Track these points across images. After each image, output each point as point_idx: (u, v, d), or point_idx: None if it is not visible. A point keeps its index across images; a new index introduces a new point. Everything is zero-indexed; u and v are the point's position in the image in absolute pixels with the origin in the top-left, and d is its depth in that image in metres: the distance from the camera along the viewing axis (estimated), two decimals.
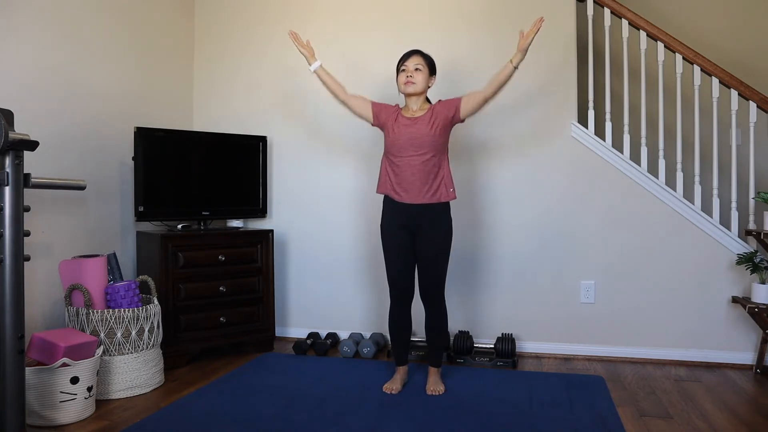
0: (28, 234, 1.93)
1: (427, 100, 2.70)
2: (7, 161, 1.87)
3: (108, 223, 3.13)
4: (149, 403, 2.51)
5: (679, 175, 3.17)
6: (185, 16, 3.77)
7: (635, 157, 3.45)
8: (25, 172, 1.92)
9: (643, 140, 3.23)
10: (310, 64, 2.76)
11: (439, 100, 2.63)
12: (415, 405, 2.46)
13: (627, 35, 3.26)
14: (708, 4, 3.78)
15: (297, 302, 3.69)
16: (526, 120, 3.33)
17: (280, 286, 3.69)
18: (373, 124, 2.71)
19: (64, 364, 2.24)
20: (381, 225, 2.67)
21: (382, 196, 2.70)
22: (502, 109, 3.33)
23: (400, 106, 2.69)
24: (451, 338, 3.20)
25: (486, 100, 2.57)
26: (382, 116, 2.66)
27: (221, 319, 3.17)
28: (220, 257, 3.17)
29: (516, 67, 2.50)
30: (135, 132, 3.08)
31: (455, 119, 2.59)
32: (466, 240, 3.38)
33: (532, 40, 2.48)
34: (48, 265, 2.73)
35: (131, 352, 2.59)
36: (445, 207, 2.59)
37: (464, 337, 3.16)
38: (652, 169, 3.42)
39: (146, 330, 2.63)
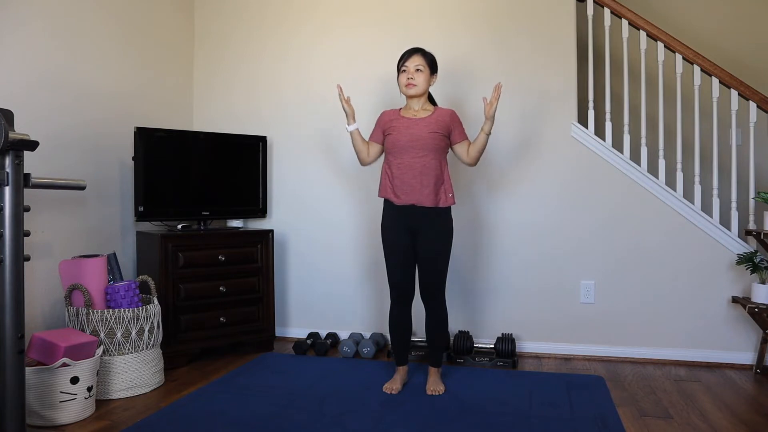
0: (28, 234, 1.93)
1: (430, 99, 2.70)
2: (7, 161, 1.87)
3: (108, 223, 3.13)
4: (149, 403, 2.51)
5: (679, 175, 3.17)
6: (185, 16, 3.77)
7: (635, 157, 3.46)
8: (25, 172, 1.92)
9: (643, 140, 3.23)
10: (348, 124, 2.71)
11: (452, 111, 2.63)
12: (415, 405, 2.46)
13: (627, 35, 3.25)
14: (708, 4, 3.78)
15: (297, 302, 3.69)
16: (526, 120, 3.33)
17: (280, 286, 3.69)
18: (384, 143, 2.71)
19: (64, 364, 2.24)
20: (382, 225, 2.67)
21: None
22: (502, 109, 3.33)
23: (398, 108, 2.69)
24: (451, 338, 3.20)
25: (469, 165, 2.66)
26: (384, 130, 2.67)
27: (221, 319, 3.17)
28: (220, 257, 3.17)
29: (489, 134, 2.57)
30: (135, 132, 3.08)
31: (450, 140, 2.63)
32: (466, 240, 3.38)
33: (496, 106, 2.53)
34: (48, 265, 2.73)
35: (131, 352, 2.59)
36: (445, 208, 2.59)
37: (464, 337, 3.16)
38: (652, 169, 3.42)
39: (146, 330, 2.63)
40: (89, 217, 3.00)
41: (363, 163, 2.76)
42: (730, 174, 3.20)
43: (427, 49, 2.68)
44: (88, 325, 2.53)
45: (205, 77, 3.83)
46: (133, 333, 2.59)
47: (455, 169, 3.31)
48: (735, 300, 3.02)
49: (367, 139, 2.77)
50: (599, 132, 3.37)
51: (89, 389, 2.33)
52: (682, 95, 3.35)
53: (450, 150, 2.67)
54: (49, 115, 2.75)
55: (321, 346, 3.26)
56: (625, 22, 3.24)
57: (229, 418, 2.31)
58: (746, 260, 2.93)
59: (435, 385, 2.63)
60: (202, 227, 3.34)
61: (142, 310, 2.62)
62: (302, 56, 3.64)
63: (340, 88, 2.71)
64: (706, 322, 3.12)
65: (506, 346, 3.08)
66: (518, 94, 3.32)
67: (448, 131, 2.59)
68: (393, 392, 2.61)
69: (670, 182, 3.52)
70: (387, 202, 2.64)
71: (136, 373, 2.59)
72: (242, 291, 3.26)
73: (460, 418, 2.32)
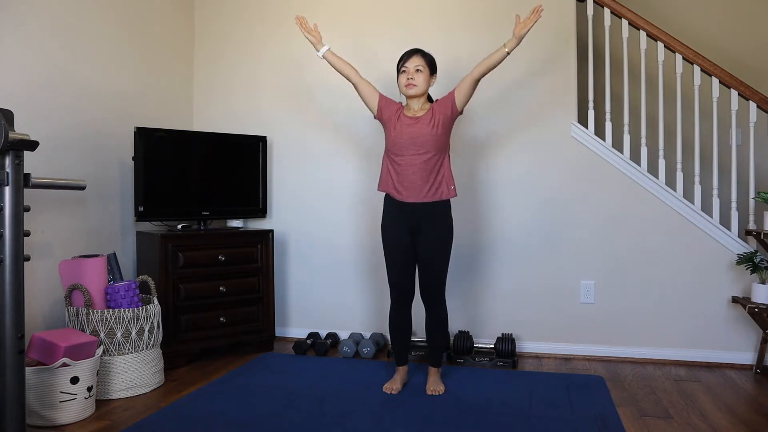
0: (28, 234, 1.93)
1: (429, 98, 2.70)
2: (7, 161, 1.87)
3: (108, 223, 3.13)
4: (149, 403, 2.51)
5: (679, 175, 3.17)
6: (185, 16, 3.77)
7: (635, 157, 3.45)
8: (25, 172, 1.92)
9: (643, 140, 3.23)
10: (317, 50, 2.68)
11: (436, 100, 2.63)
12: (415, 405, 2.46)
13: (627, 35, 3.25)
14: (708, 4, 3.78)
15: (297, 302, 3.69)
16: (527, 120, 3.33)
17: (280, 286, 3.69)
18: (375, 117, 2.71)
19: (64, 364, 2.24)
20: (382, 224, 2.67)
21: (382, 196, 2.70)
22: (502, 109, 3.33)
23: (403, 104, 2.68)
24: (451, 338, 3.20)
25: (475, 82, 2.56)
26: (386, 112, 2.65)
27: (221, 319, 3.17)
28: (220, 257, 3.17)
29: (509, 53, 2.48)
30: (135, 132, 3.08)
31: (455, 114, 2.60)
32: (466, 240, 3.38)
33: (530, 28, 2.45)
34: (48, 265, 2.73)
35: (131, 352, 2.59)
36: (446, 206, 2.59)
37: (464, 337, 3.16)
38: (652, 169, 3.42)
39: (146, 330, 2.63)
40: (89, 217, 3.00)
41: (352, 81, 2.66)
42: (730, 174, 3.20)
43: (427, 49, 2.68)
44: (88, 325, 2.53)
45: (205, 77, 3.83)
46: (133, 333, 2.59)
47: (456, 169, 3.30)
48: (735, 300, 3.02)
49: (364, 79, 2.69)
50: (599, 132, 3.37)
51: (89, 389, 2.33)
52: (682, 95, 3.34)
53: (461, 112, 2.62)
54: (49, 115, 2.75)
55: (321, 346, 3.26)
56: (625, 22, 3.24)
57: (229, 418, 2.31)
58: (746, 260, 2.93)
59: (435, 385, 2.63)
60: (202, 227, 3.34)
61: (142, 310, 2.62)
62: (302, 56, 3.64)
63: (301, 19, 2.66)
64: (706, 322, 3.12)
65: (506, 346, 3.08)
66: (518, 94, 3.32)
67: (446, 115, 2.56)
68: (393, 392, 2.61)
69: (670, 182, 3.52)
70: (387, 199, 2.64)
71: (136, 373, 2.59)
72: (242, 291, 3.26)
73: (460, 418, 2.32)
